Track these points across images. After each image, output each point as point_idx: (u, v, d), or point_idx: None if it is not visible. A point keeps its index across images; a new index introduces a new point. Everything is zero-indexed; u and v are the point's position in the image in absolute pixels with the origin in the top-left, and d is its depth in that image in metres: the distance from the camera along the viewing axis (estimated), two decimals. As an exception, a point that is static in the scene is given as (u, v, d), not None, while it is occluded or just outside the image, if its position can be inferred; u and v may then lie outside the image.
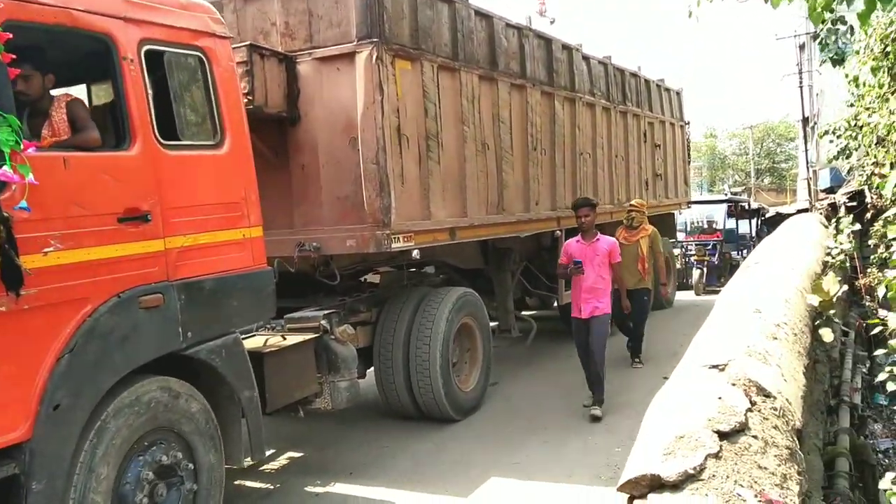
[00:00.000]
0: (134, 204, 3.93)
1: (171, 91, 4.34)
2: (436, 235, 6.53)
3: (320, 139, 5.97)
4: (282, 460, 6.12)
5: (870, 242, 11.76)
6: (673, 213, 13.74)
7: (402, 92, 6.02)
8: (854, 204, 14.25)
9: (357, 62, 5.78)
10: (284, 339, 5.28)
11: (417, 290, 7.03)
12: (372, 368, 6.75)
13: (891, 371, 5.14)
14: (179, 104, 4.40)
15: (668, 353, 8.64)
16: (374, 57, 5.70)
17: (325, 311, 5.76)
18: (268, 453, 6.19)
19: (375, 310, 6.75)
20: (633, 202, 8.97)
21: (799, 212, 19.81)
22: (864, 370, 8.28)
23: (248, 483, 5.61)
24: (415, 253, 6.32)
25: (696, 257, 17.05)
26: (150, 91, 4.13)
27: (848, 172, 17.29)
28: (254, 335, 5.46)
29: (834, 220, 12.45)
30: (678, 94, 13.30)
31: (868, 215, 12.83)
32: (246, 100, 5.50)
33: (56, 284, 3.53)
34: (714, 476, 2.26)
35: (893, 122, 7.58)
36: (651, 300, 8.97)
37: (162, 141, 4.14)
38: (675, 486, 2.23)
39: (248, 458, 4.68)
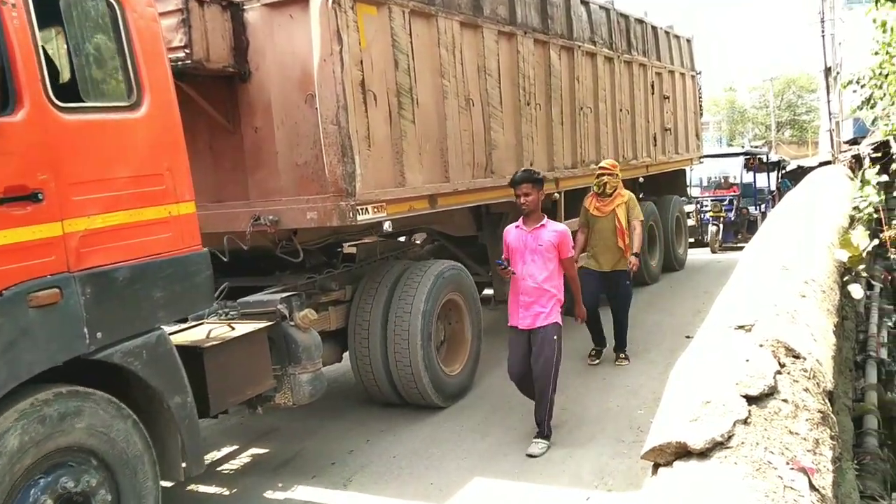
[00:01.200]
0: (18, 181, 3.26)
1: (69, 43, 3.65)
2: (412, 204, 5.82)
3: (274, 98, 5.25)
4: (244, 458, 5.52)
5: (895, 194, 11.25)
6: (684, 170, 12.93)
7: (367, 41, 5.27)
8: (879, 155, 13.47)
9: (311, 7, 5.02)
10: (232, 328, 4.62)
11: (397, 263, 6.36)
12: (348, 352, 6.11)
13: None
14: (81, 59, 3.70)
15: (691, 312, 8.38)
16: (331, 1, 4.95)
17: (284, 294, 5.09)
18: (230, 450, 5.66)
19: (350, 287, 6.09)
20: (603, 163, 7.28)
21: (821, 164, 18.98)
22: (889, 324, 8.13)
23: (202, 488, 5.01)
24: (386, 225, 5.61)
25: (711, 213, 16.40)
26: (40, 42, 3.42)
27: (872, 123, 16.39)
28: (201, 324, 4.82)
29: (860, 172, 11.92)
30: (689, 41, 12.38)
31: (893, 166, 12.17)
32: (182, 53, 4.83)
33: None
34: (743, 443, 2.16)
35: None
36: (632, 283, 7.46)
37: (58, 103, 3.45)
38: (703, 454, 2.14)
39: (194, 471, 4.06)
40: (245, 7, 5.21)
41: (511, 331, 5.32)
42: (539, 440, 5.23)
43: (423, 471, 5.03)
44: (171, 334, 4.40)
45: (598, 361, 7.07)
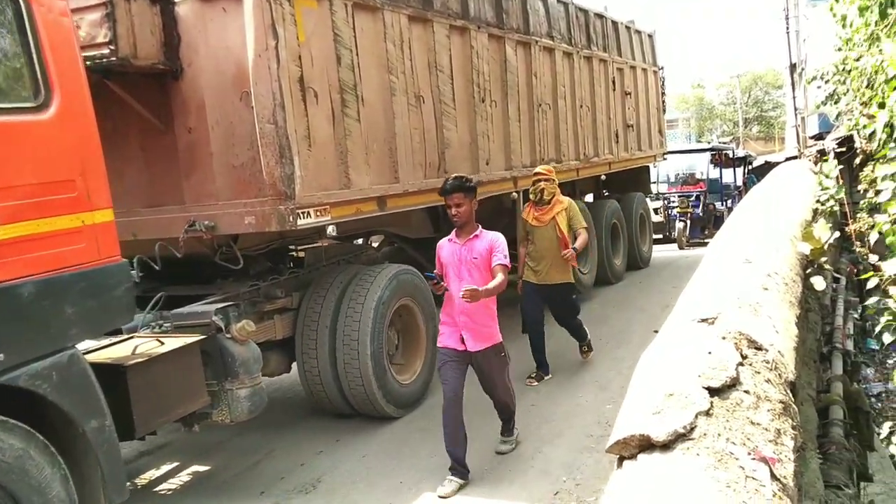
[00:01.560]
0: None
1: (-35, 39, 3.35)
2: (359, 207, 5.57)
3: (208, 96, 4.97)
4: (183, 476, 5.23)
5: (859, 188, 11.39)
6: (648, 166, 12.80)
7: (306, 35, 5.01)
8: (843, 150, 13.50)
9: (245, 0, 4.75)
10: (161, 343, 4.33)
11: (347, 268, 6.10)
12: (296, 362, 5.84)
13: (889, 322, 4.94)
14: (-21, 56, 3.40)
15: (660, 307, 8.38)
16: (265, -7, 4.68)
17: (221, 304, 4.82)
18: (170, 467, 5.38)
19: (297, 294, 5.82)
20: (538, 169, 6.73)
21: (788, 159, 19.05)
22: (855, 316, 8.32)
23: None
24: (330, 229, 5.35)
25: (678, 209, 16.34)
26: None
27: (836, 118, 16.48)
28: (130, 338, 4.53)
29: (820, 165, 12.01)
30: (650, 36, 12.24)
31: (857, 160, 12.22)
32: (107, 50, 4.55)
33: None
34: (705, 434, 2.17)
35: (881, 61, 6.92)
36: (577, 293, 7.16)
37: (-49, 105, 3.16)
38: (666, 447, 2.14)
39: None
40: (176, 0, 4.92)
41: (448, 353, 4.73)
42: (507, 437, 5.18)
43: (392, 469, 4.99)
44: (94, 351, 4.16)
45: (536, 384, 6.45)
